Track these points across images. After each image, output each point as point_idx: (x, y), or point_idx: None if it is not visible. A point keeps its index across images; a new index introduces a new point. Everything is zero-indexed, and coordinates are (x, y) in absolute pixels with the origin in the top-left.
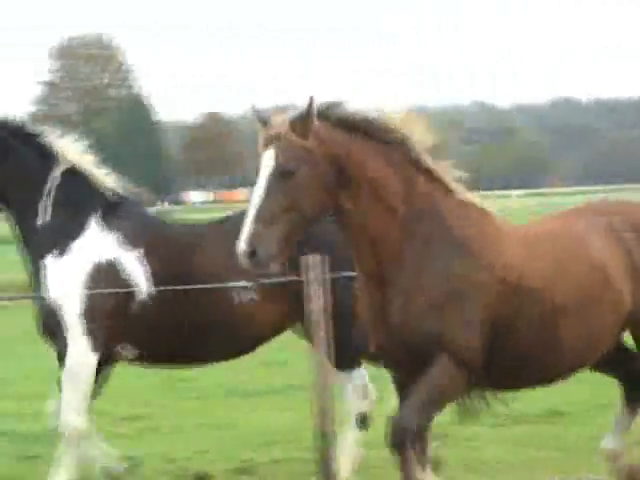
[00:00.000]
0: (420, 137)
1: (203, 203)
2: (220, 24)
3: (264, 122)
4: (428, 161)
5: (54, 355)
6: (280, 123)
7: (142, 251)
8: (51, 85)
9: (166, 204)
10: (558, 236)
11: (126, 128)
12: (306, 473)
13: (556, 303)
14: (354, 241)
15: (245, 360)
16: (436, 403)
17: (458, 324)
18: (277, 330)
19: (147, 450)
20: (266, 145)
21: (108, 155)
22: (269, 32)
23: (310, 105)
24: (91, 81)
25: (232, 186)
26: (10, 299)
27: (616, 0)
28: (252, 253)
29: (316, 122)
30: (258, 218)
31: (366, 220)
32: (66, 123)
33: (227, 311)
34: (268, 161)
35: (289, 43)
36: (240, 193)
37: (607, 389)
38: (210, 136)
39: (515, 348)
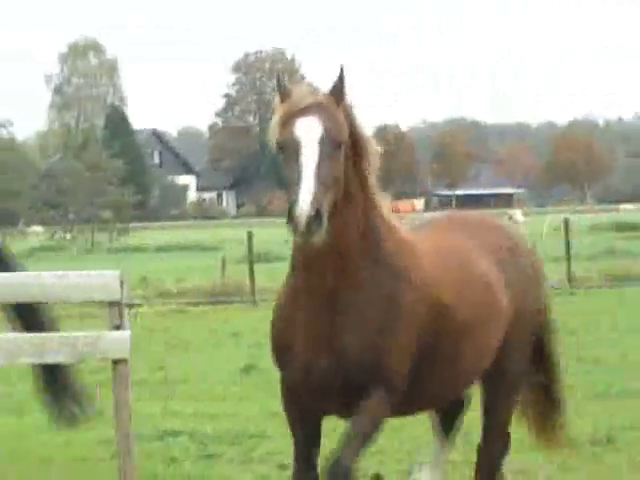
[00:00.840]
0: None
1: None
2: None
3: (286, 93)
4: (375, 182)
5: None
6: (308, 93)
7: None
8: (232, 97)
9: None
10: (452, 251)
11: None
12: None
13: (463, 319)
14: (317, 254)
15: None
16: (372, 438)
17: (396, 350)
18: None
19: (322, 451)
20: (302, 113)
21: None
22: (269, 32)
23: (342, 75)
24: (271, 94)
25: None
26: None
27: (616, 0)
28: (316, 216)
29: (347, 96)
30: (318, 179)
31: (339, 231)
32: (244, 135)
33: None
34: (313, 127)
35: (289, 43)
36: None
37: None
38: None
39: (430, 369)
